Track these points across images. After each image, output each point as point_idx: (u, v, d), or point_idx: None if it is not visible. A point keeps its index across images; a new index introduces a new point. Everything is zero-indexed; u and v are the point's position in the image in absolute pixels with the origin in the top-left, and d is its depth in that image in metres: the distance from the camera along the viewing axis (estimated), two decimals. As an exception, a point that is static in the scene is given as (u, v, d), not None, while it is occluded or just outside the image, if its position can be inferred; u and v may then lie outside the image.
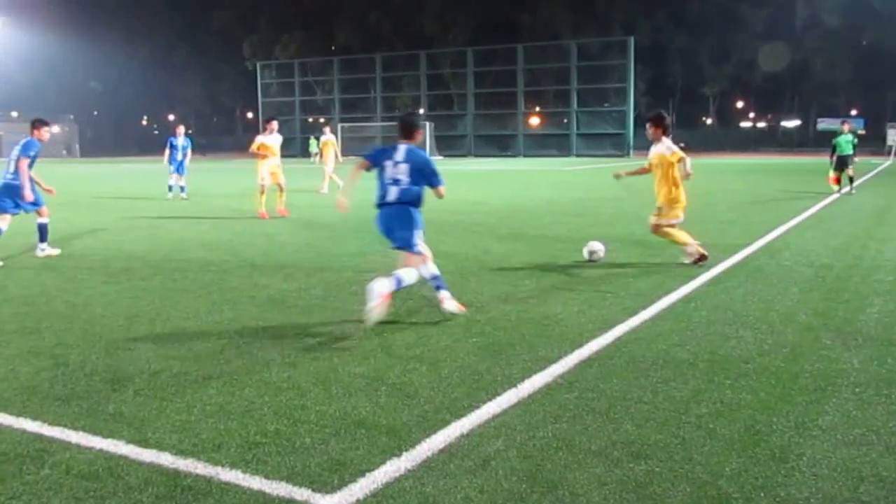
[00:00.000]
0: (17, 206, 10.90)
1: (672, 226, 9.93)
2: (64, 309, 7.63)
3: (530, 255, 10.80)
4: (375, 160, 7.15)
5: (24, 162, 10.77)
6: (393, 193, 7.02)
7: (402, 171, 7.01)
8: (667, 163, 9.78)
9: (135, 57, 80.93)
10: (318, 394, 5.05)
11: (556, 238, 12.43)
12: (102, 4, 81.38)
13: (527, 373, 5.44)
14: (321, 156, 25.72)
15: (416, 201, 7.09)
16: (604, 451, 4.16)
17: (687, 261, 9.81)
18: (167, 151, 21.73)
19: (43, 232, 11.23)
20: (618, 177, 11.10)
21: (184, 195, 21.22)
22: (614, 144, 63.18)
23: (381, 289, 6.61)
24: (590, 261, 10.12)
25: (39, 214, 11.20)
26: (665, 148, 9.81)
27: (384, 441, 4.28)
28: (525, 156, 65.95)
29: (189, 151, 21.85)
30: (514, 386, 5.17)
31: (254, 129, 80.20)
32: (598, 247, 10.27)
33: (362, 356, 5.91)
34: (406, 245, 7.09)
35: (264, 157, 16.24)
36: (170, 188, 21.66)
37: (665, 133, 9.86)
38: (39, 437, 4.34)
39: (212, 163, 53.17)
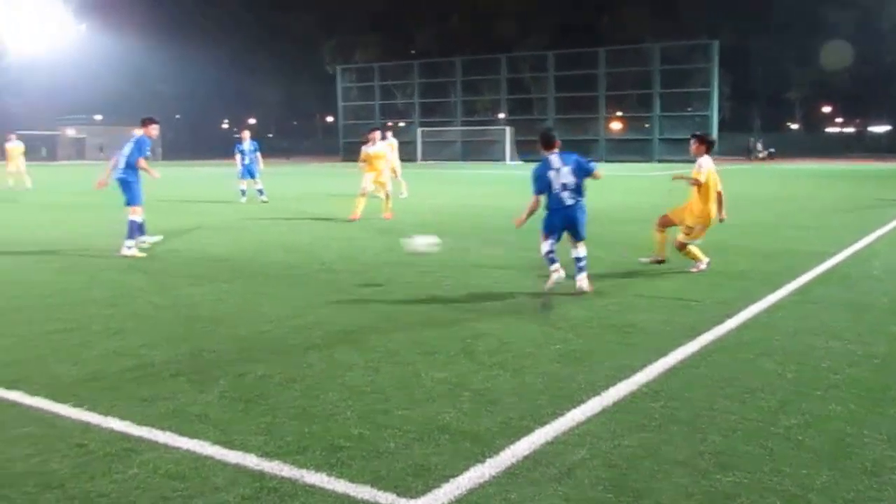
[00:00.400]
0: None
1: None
2: (149, 310, 7.83)
3: (611, 262, 10.63)
4: (542, 185, 8.41)
5: (143, 161, 11.82)
6: (568, 196, 8.32)
7: (566, 175, 8.30)
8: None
9: (214, 61, 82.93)
10: (400, 398, 5.05)
11: (635, 245, 12.20)
12: (183, 9, 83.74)
13: (610, 381, 5.34)
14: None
15: (584, 194, 8.50)
16: (690, 461, 4.05)
17: (646, 259, 10.29)
18: (237, 157, 22.19)
19: (134, 229, 11.63)
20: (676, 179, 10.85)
21: (263, 198, 21.57)
22: (698, 150, 61.71)
23: (582, 282, 8.40)
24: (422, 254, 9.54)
25: (133, 212, 11.68)
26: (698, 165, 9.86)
27: (468, 447, 4.24)
28: (606, 161, 65.20)
29: (258, 155, 22.26)
30: (598, 394, 5.08)
31: (332, 132, 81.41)
32: (422, 242, 9.48)
33: (445, 361, 5.89)
34: (584, 235, 8.54)
35: (371, 168, 16.71)
36: (242, 192, 22.03)
37: (707, 151, 9.99)
38: (127, 437, 4.43)
39: (291, 166, 54.13)
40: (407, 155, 48.65)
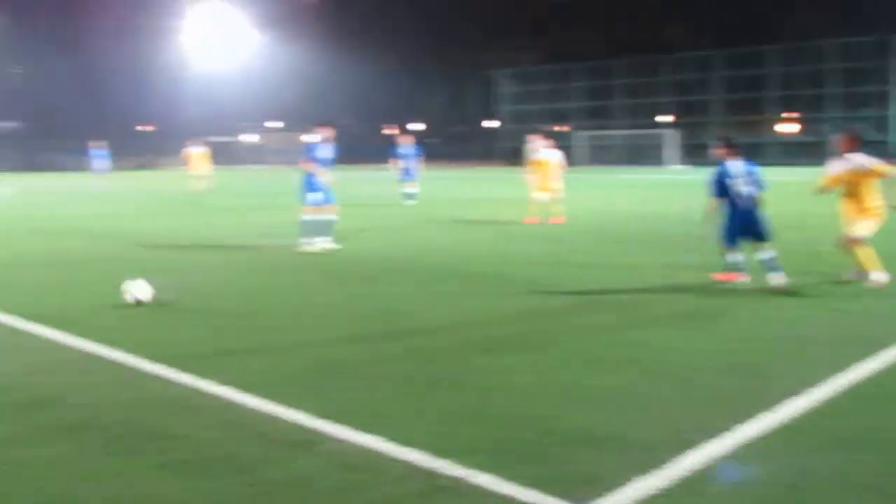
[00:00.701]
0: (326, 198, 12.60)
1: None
2: (324, 308, 8.22)
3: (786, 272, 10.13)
4: (721, 189, 8.70)
5: (309, 164, 12.59)
6: (749, 200, 8.66)
7: (749, 181, 8.70)
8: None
9: (384, 69, 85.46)
10: (567, 404, 5.06)
11: (811, 253, 11.57)
12: (357, 20, 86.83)
13: (785, 396, 5.10)
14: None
15: (761, 199, 8.78)
16: (879, 485, 3.83)
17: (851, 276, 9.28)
18: (397, 161, 22.82)
19: (321, 227, 12.43)
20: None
21: (413, 201, 22.09)
22: (874, 151, 57.55)
23: (777, 280, 8.52)
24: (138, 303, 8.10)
25: (320, 210, 12.49)
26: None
27: (636, 457, 4.19)
28: (776, 164, 62.07)
29: (417, 160, 22.79)
30: (772, 409, 4.87)
31: (494, 137, 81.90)
32: (138, 290, 8.14)
33: (612, 368, 5.85)
34: (769, 237, 8.70)
35: (538, 172, 17.18)
36: (405, 195, 22.62)
37: (857, 148, 9.60)
38: (307, 428, 4.68)
39: (452, 171, 55.03)
40: (569, 160, 48.22)
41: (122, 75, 67.89)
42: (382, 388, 5.44)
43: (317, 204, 12.56)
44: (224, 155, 67.33)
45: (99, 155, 31.85)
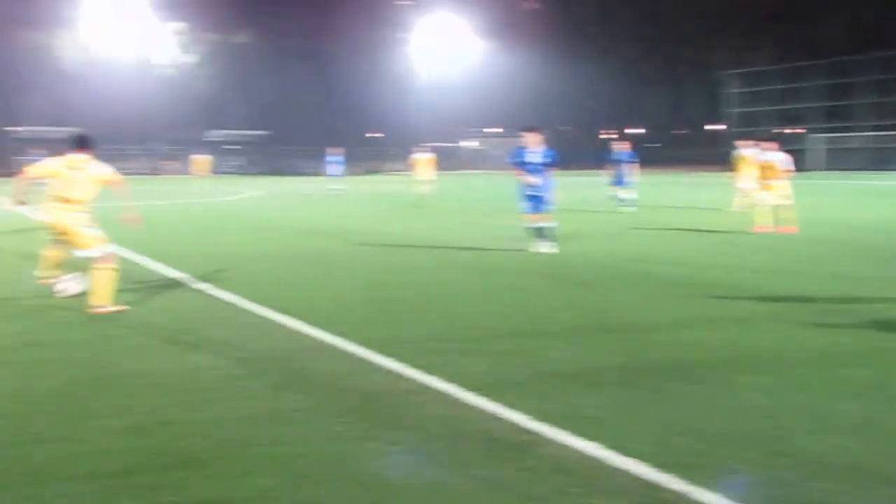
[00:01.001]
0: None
1: None
2: (544, 311, 8.29)
3: None
4: None
5: (516, 168, 12.89)
6: None
7: None
8: None
9: (605, 72, 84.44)
10: (801, 428, 4.77)
11: None
12: (579, 24, 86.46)
13: None
14: (737, 171, 21.55)
15: None
16: None
17: None
18: (613, 167, 22.44)
19: (536, 232, 12.68)
20: None
21: (628, 208, 21.58)
22: None
23: None
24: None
25: (530, 218, 12.76)
26: None
27: (874, 489, 3.89)
28: None
29: (632, 165, 22.27)
30: None
31: (717, 141, 78.40)
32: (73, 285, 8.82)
33: (853, 393, 5.43)
34: None
35: (768, 176, 16.34)
36: (621, 201, 22.18)
37: None
38: (526, 430, 4.75)
39: (675, 176, 53.36)
40: (803, 164, 45.23)
41: (356, 87, 72.26)
42: (601, 394, 5.42)
43: (526, 212, 12.68)
44: (447, 160, 69.68)
45: (334, 161, 34.00)
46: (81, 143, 8.46)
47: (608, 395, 5.40)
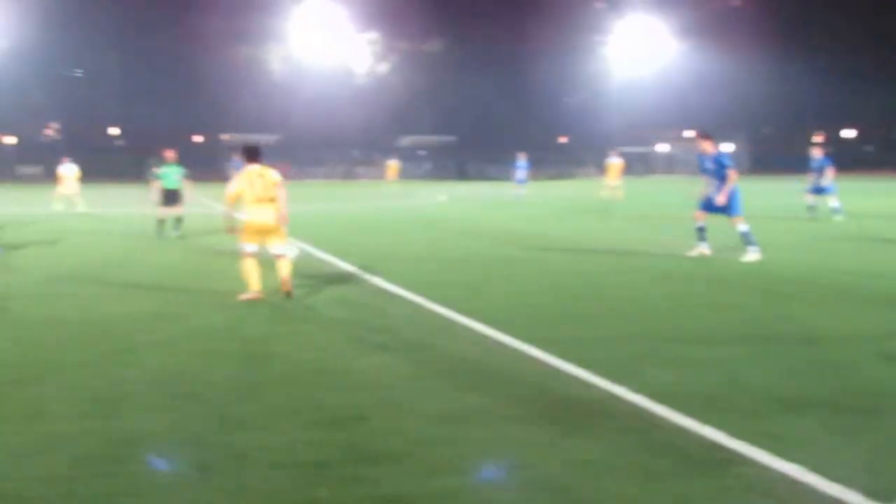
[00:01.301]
0: (710, 208, 12.63)
1: None
2: (737, 324, 7.85)
3: None
4: None
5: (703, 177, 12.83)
6: None
7: None
8: None
9: (809, 70, 79.37)
10: None
11: None
12: (781, 19, 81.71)
13: None
14: None
15: None
16: None
17: None
18: (812, 173, 21.01)
19: (745, 237, 12.37)
20: None
21: (838, 216, 19.98)
22: None
23: None
24: None
25: (734, 222, 12.43)
26: None
27: None
28: None
29: (829, 171, 20.68)
30: None
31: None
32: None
33: None
34: None
35: None
36: (810, 208, 20.61)
37: None
38: (721, 447, 4.52)
39: (890, 181, 49.26)
40: None
41: (547, 91, 72.24)
42: (806, 416, 5.07)
43: (740, 214, 12.53)
44: (639, 165, 68.17)
45: (521, 165, 34.16)
46: (255, 154, 9.43)
47: (812, 417, 5.04)
